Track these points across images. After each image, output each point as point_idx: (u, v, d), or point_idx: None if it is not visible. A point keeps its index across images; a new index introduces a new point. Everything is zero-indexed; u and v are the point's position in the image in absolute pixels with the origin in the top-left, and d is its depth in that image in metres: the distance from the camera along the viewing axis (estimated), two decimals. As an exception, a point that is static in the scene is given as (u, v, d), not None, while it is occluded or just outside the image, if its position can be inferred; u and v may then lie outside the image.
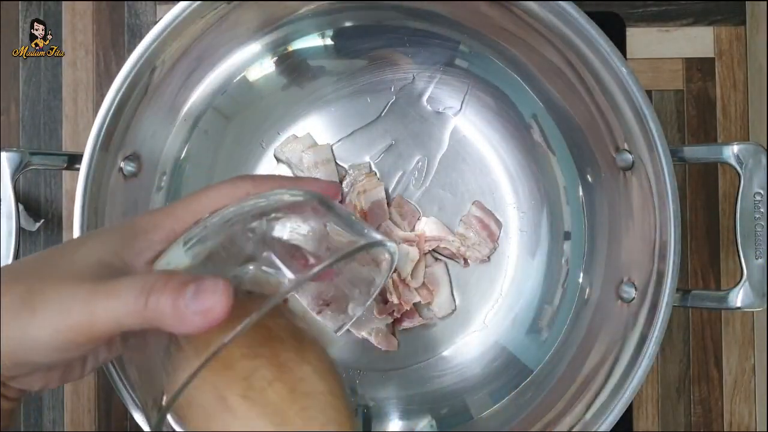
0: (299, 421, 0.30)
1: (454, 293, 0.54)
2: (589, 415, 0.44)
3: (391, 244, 0.32)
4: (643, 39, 0.57)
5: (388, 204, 0.54)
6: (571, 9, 0.43)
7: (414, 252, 0.53)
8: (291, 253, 0.30)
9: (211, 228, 0.31)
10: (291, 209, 0.32)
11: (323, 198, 0.33)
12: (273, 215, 0.31)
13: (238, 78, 0.52)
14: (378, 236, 0.31)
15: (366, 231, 0.32)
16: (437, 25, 0.51)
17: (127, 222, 0.32)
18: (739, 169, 0.43)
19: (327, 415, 0.30)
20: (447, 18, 0.50)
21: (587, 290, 0.51)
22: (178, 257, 0.31)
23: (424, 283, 0.53)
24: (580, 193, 0.52)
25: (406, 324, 0.53)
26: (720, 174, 0.58)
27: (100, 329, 0.28)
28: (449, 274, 0.54)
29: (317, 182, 0.35)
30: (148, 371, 0.30)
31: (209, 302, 0.26)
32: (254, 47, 0.51)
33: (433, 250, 0.54)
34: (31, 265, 0.30)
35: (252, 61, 0.52)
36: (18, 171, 0.44)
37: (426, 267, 0.54)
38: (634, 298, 0.46)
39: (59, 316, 0.28)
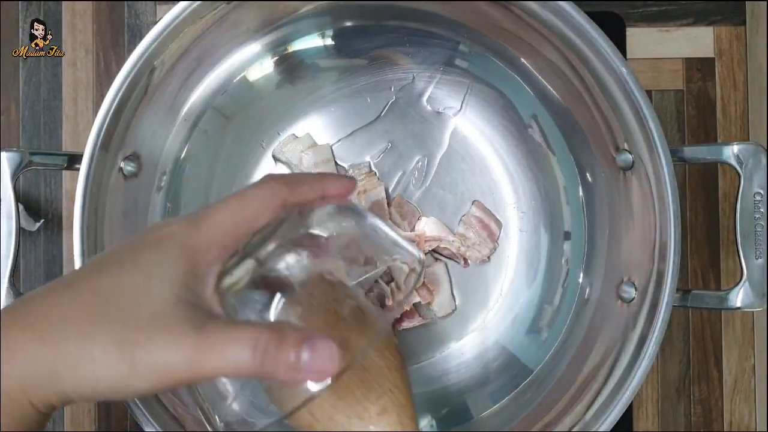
0: (358, 391, 0.32)
1: (454, 293, 0.54)
2: (589, 415, 0.44)
3: (421, 257, 0.36)
4: (643, 39, 0.57)
5: (388, 204, 0.54)
6: (570, 9, 0.43)
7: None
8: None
9: (278, 254, 0.32)
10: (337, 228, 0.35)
11: (365, 217, 0.36)
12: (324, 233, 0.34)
13: (238, 78, 0.52)
14: (414, 251, 0.35)
15: (407, 246, 0.35)
16: (437, 25, 0.51)
17: (175, 239, 0.31)
18: (739, 169, 0.43)
19: (384, 387, 0.33)
20: (447, 18, 0.50)
21: (587, 290, 0.51)
22: (252, 288, 0.32)
23: (424, 283, 0.53)
24: (580, 193, 0.52)
25: (406, 324, 0.53)
26: (720, 174, 0.58)
27: (200, 379, 0.29)
28: (449, 274, 0.54)
29: (339, 179, 0.36)
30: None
31: (324, 365, 0.28)
32: (254, 47, 0.51)
33: (433, 250, 0.54)
34: (101, 305, 0.29)
35: (252, 61, 0.52)
36: (18, 171, 0.44)
37: (426, 267, 0.54)
38: (634, 298, 0.46)
39: (162, 371, 0.28)
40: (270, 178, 0.34)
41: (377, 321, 0.32)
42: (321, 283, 0.32)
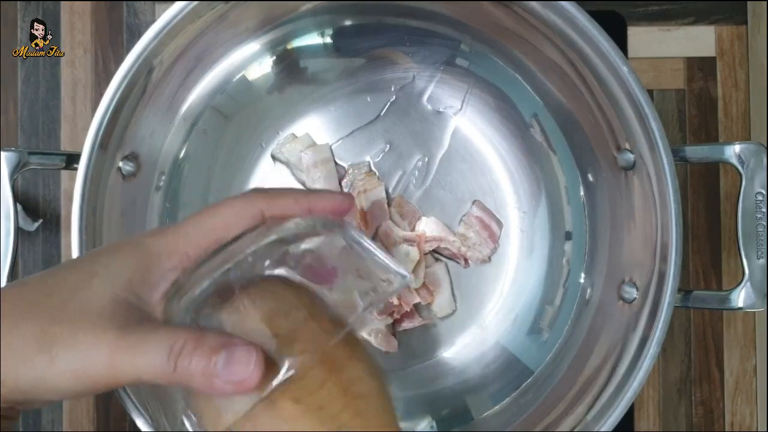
0: (345, 417, 0.28)
1: (455, 293, 0.54)
2: (590, 416, 0.44)
3: (410, 279, 0.32)
4: (644, 38, 0.57)
5: (388, 204, 0.53)
6: (572, 8, 0.42)
7: (414, 252, 0.52)
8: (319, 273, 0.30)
9: (234, 263, 0.30)
10: (311, 238, 0.32)
11: (345, 231, 0.33)
12: (294, 246, 0.31)
13: (237, 77, 0.52)
14: (402, 271, 0.32)
15: (391, 265, 0.32)
16: (438, 23, 0.51)
17: (137, 244, 0.31)
18: (740, 168, 0.43)
19: (379, 418, 0.29)
20: (447, 17, 0.50)
21: (588, 290, 0.51)
22: (199, 296, 0.30)
23: (424, 284, 0.53)
24: (582, 192, 0.52)
25: (406, 325, 0.53)
26: (722, 174, 0.57)
27: (121, 381, 0.28)
28: (450, 275, 0.54)
29: (332, 195, 0.34)
30: (166, 399, 0.30)
31: (241, 374, 0.26)
32: (253, 46, 0.51)
33: (434, 250, 0.54)
34: (38, 298, 0.29)
35: (251, 61, 0.52)
36: (16, 171, 0.43)
37: (426, 267, 0.53)
38: (635, 298, 0.46)
39: (80, 368, 0.27)
40: (251, 190, 0.33)
41: (327, 335, 0.29)
42: (269, 295, 0.30)
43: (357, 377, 0.29)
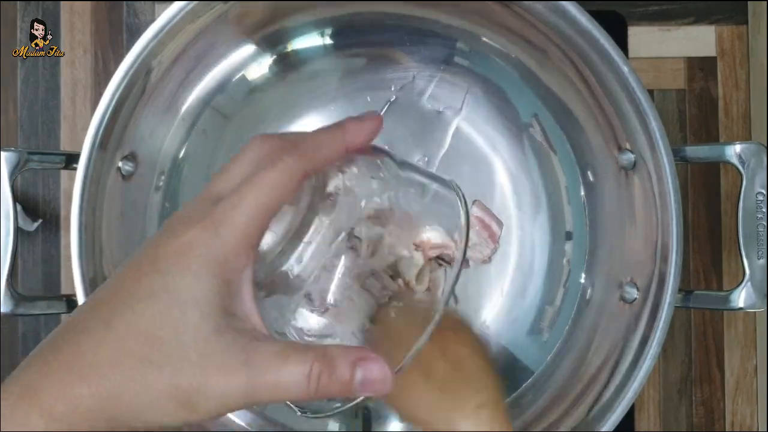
0: (457, 387, 0.36)
1: (455, 294, 0.54)
2: (590, 417, 0.44)
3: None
4: (644, 38, 0.57)
5: (388, 204, 0.53)
6: (572, 8, 0.42)
7: (418, 257, 0.52)
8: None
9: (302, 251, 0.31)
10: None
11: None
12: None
13: (236, 77, 0.52)
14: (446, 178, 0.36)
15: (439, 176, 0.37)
16: (437, 23, 0.51)
17: (200, 252, 0.29)
18: (741, 168, 0.43)
19: (480, 384, 0.37)
20: (448, 16, 0.50)
21: (589, 291, 0.51)
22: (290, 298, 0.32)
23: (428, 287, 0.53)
24: (582, 192, 0.52)
25: (407, 325, 0.53)
26: (722, 174, 0.57)
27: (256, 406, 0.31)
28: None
29: (359, 122, 0.33)
30: None
31: (377, 387, 0.29)
32: (253, 46, 0.51)
33: (437, 256, 0.54)
34: (148, 348, 0.28)
35: (251, 60, 0.52)
36: (16, 171, 0.43)
37: (431, 272, 0.53)
38: (636, 298, 0.46)
39: (218, 410, 0.29)
40: (282, 152, 0.30)
41: (429, 313, 0.34)
42: (360, 281, 0.33)
43: (450, 345, 0.38)
